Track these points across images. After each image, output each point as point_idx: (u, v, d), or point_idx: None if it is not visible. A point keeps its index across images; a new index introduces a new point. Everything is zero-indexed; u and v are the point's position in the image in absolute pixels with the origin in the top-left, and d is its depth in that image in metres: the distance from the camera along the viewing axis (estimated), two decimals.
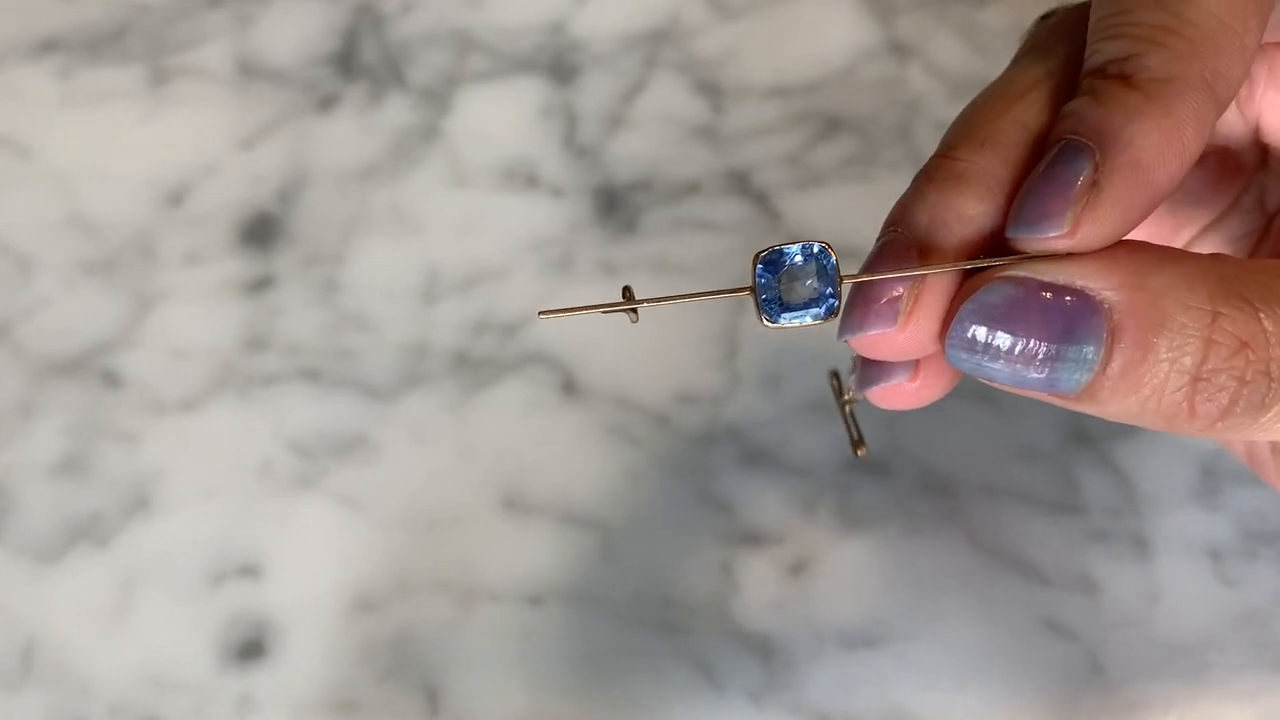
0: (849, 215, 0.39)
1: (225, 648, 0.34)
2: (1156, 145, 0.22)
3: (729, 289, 0.23)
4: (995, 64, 0.41)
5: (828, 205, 0.39)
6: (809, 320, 0.23)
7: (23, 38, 0.44)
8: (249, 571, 0.35)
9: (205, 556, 0.35)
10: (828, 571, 0.34)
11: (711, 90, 0.42)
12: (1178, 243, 0.29)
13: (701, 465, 0.36)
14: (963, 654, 0.33)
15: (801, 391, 0.36)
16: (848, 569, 0.34)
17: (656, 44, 0.43)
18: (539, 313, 0.23)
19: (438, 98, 0.42)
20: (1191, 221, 0.29)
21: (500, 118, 0.42)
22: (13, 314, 0.39)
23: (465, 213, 0.40)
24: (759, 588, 0.34)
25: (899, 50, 0.42)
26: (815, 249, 0.23)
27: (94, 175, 0.41)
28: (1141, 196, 0.22)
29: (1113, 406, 0.22)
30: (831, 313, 0.23)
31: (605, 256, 0.39)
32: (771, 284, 0.23)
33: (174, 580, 0.35)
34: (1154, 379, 0.22)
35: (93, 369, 0.38)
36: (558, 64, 0.43)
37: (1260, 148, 0.28)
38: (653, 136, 0.41)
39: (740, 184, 0.40)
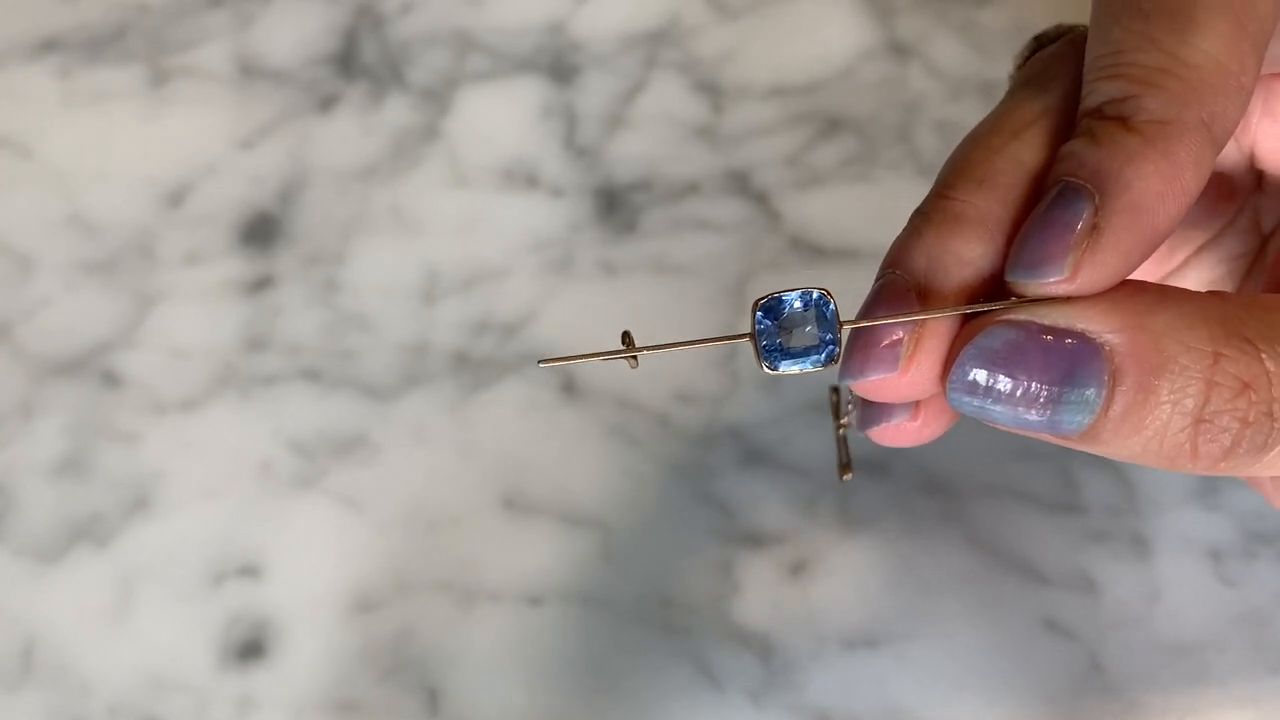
0: (849, 215, 0.39)
1: (225, 648, 0.34)
2: (1156, 189, 0.22)
3: (729, 335, 0.24)
4: (995, 64, 0.41)
5: (828, 205, 0.39)
6: (809, 367, 0.23)
7: (23, 38, 0.44)
8: (249, 571, 0.35)
9: (205, 556, 0.35)
10: (828, 571, 0.34)
11: (711, 90, 0.42)
12: (1173, 263, 0.29)
13: (701, 465, 0.36)
14: (962, 654, 0.33)
15: (801, 391, 0.36)
16: (848, 569, 0.34)
17: (656, 44, 0.43)
18: (538, 362, 0.23)
19: (438, 98, 0.42)
20: (1187, 242, 0.29)
21: (500, 118, 0.42)
22: (13, 314, 0.39)
23: (465, 213, 0.40)
24: (759, 588, 0.34)
25: (899, 50, 0.42)
26: (815, 296, 0.23)
27: (94, 175, 0.41)
28: (1141, 240, 0.22)
29: (1114, 447, 0.22)
30: (832, 359, 0.23)
31: (605, 256, 0.39)
32: (771, 330, 0.23)
33: (174, 580, 0.35)
34: (1156, 421, 0.22)
35: (93, 369, 0.38)
36: (558, 64, 0.43)
37: (1255, 173, 0.28)
38: (653, 136, 0.41)
39: (740, 184, 0.40)
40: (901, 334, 0.23)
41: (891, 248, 0.24)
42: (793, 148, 0.40)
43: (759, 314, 0.23)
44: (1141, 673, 0.32)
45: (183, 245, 0.40)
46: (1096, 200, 0.22)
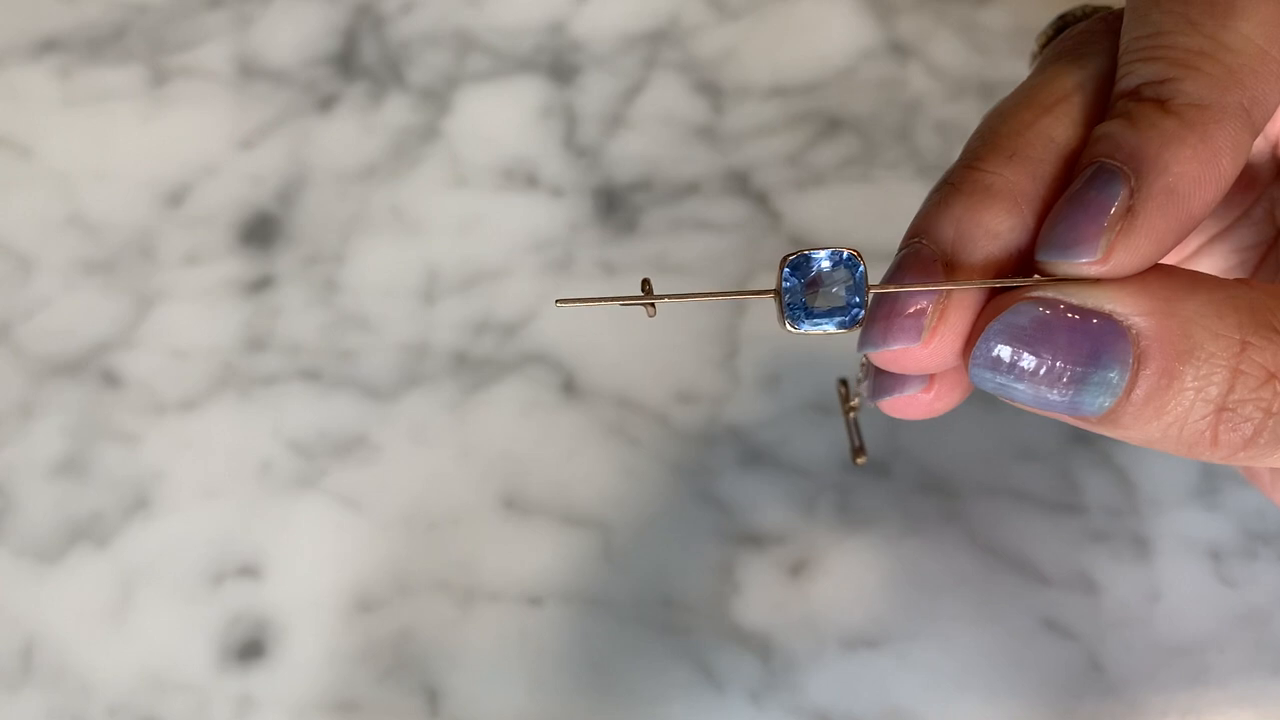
0: (849, 215, 0.39)
1: (225, 648, 0.34)
2: (1193, 173, 0.21)
3: (753, 290, 0.23)
4: (995, 64, 0.41)
5: (828, 205, 0.39)
6: (832, 328, 0.22)
7: (23, 38, 0.44)
8: (249, 571, 0.35)
9: (205, 556, 0.35)
10: (828, 571, 0.34)
11: (711, 90, 0.42)
12: (1185, 251, 0.29)
13: (701, 465, 0.36)
14: (963, 654, 0.33)
15: (801, 391, 0.36)
16: (848, 569, 0.34)
17: (656, 44, 0.43)
18: (556, 301, 0.22)
19: (438, 98, 0.42)
20: (1201, 230, 0.29)
21: (500, 118, 0.42)
22: (13, 314, 0.39)
23: (465, 213, 0.40)
24: (759, 588, 0.34)
25: (899, 50, 0.42)
26: (845, 255, 0.22)
27: (94, 175, 0.41)
28: (1176, 224, 0.22)
29: (1134, 431, 0.22)
30: (855, 322, 0.22)
31: (605, 256, 0.39)
32: (797, 288, 0.22)
33: (174, 580, 0.35)
34: (1178, 407, 0.22)
35: (93, 369, 0.38)
36: (558, 64, 0.43)
37: (1276, 162, 0.28)
38: (653, 136, 0.41)
39: (740, 184, 0.40)
40: (925, 304, 0.23)
41: (917, 216, 0.23)
42: (793, 148, 0.40)
43: (786, 270, 0.22)
44: (1141, 673, 0.32)
45: (183, 245, 0.40)
46: (1132, 183, 0.21)
